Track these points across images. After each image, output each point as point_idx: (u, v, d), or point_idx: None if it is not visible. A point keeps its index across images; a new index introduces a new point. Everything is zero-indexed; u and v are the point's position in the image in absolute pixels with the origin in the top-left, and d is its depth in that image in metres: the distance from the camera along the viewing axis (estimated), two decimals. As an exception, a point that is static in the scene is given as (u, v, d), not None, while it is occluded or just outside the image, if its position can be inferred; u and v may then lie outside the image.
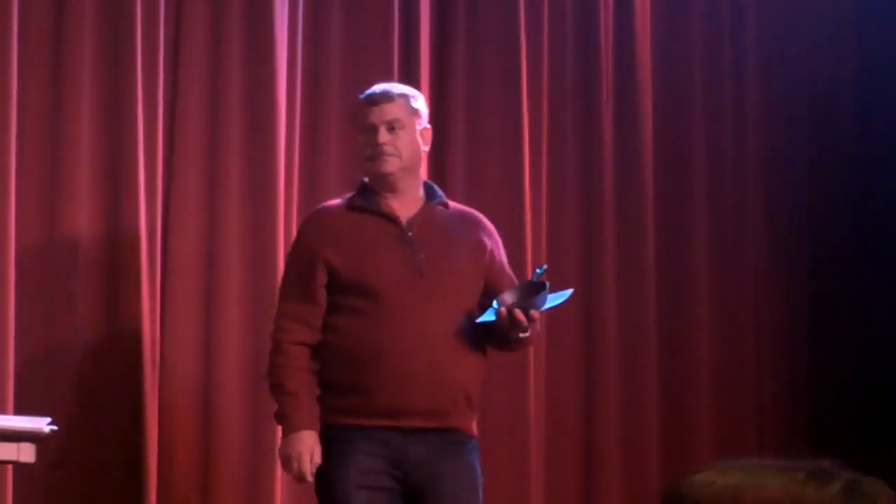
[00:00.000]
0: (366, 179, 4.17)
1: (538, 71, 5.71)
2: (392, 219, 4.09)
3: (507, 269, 4.24)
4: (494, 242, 4.23)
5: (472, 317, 4.05)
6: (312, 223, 4.17)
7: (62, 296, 4.79)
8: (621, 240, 5.85)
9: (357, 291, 4.01)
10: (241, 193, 5.07)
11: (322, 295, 4.05)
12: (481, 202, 5.54)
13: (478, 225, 4.23)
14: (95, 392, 4.81)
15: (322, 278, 4.05)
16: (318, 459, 4.02)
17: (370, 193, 4.13)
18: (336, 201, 4.22)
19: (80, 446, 4.74)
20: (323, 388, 4.07)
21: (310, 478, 4.04)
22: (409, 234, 4.07)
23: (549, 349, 5.65)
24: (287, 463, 4.04)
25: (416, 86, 5.40)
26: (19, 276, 4.70)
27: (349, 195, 4.19)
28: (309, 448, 4.00)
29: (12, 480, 4.58)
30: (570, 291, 4.13)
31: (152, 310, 4.87)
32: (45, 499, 4.71)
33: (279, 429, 5.02)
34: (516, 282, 4.21)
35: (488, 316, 4.00)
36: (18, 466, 4.18)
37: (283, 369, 4.04)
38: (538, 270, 4.09)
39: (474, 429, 4.14)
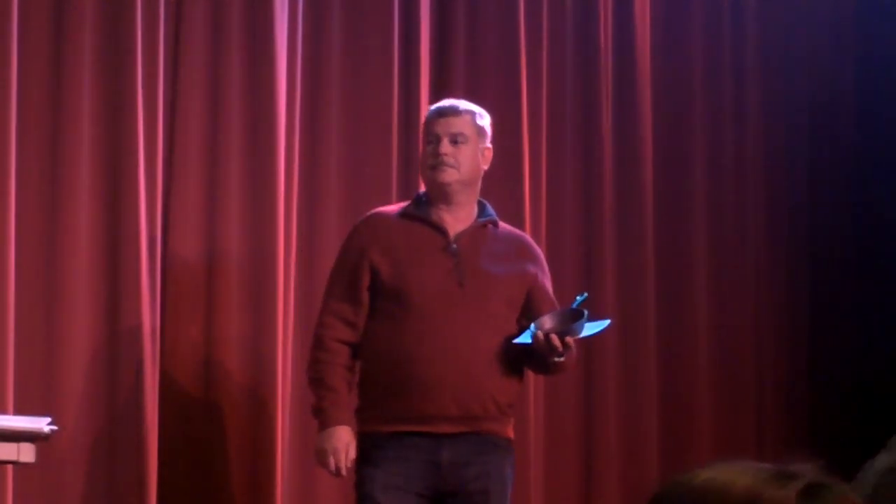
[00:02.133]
0: (422, 190, 4.33)
1: (538, 71, 5.71)
2: (440, 229, 4.20)
3: (550, 294, 4.32)
4: (539, 266, 4.33)
5: (510, 337, 4.14)
6: (366, 225, 4.28)
7: (62, 296, 4.79)
8: (621, 240, 5.85)
9: (396, 297, 4.12)
10: (241, 194, 5.07)
11: (365, 296, 4.17)
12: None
13: (524, 247, 4.35)
14: (95, 392, 4.81)
15: (366, 279, 4.17)
16: (352, 454, 4.11)
17: (424, 203, 4.25)
18: (392, 207, 4.39)
19: (80, 446, 4.74)
20: (359, 393, 4.19)
21: (345, 472, 4.13)
22: (454, 246, 4.18)
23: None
24: (322, 458, 4.13)
25: (416, 86, 5.42)
26: (19, 275, 4.70)
27: (405, 203, 4.34)
28: (344, 443, 4.10)
29: (12, 480, 4.58)
30: (607, 322, 4.31)
31: (152, 310, 4.87)
32: (45, 499, 4.71)
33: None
34: (558, 307, 4.29)
35: (525, 338, 4.11)
36: (18, 466, 4.18)
37: (324, 365, 4.15)
38: (579, 298, 4.19)
39: (509, 432, 4.25)
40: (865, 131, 6.28)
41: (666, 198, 5.98)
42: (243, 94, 5.11)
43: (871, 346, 6.18)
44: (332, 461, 4.11)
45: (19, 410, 4.49)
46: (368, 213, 4.37)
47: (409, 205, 4.31)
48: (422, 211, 4.25)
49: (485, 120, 4.32)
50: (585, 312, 4.12)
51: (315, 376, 4.19)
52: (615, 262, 5.83)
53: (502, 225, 4.35)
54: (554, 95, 5.77)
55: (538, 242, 5.61)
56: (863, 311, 6.24)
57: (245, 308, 5.03)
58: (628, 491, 5.76)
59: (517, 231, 4.47)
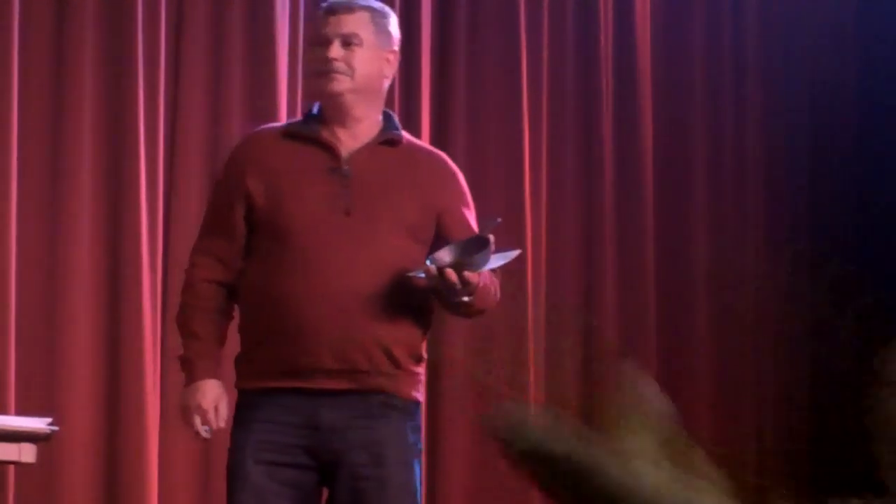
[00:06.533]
0: (314, 107, 3.58)
1: (538, 69, 5.71)
2: (330, 148, 3.48)
3: (470, 224, 3.57)
4: (454, 190, 3.60)
5: (405, 272, 3.43)
6: (240, 149, 3.61)
7: (63, 296, 4.79)
8: (621, 239, 5.85)
9: (272, 230, 3.46)
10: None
11: (240, 230, 3.50)
12: (481, 201, 5.55)
13: (437, 167, 3.60)
14: (96, 392, 4.82)
15: (240, 210, 3.50)
16: (223, 412, 3.48)
17: (313, 120, 3.53)
18: (276, 125, 3.72)
19: (80, 447, 4.75)
20: (240, 343, 3.56)
21: (210, 433, 3.50)
22: (346, 167, 3.46)
23: (550, 349, 5.65)
24: (187, 417, 3.48)
25: (417, 86, 5.42)
26: (20, 276, 4.71)
27: (291, 120, 3.70)
28: (211, 400, 3.45)
29: (13, 480, 4.59)
30: (516, 252, 3.51)
31: (153, 310, 4.88)
32: (45, 499, 4.71)
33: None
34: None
35: (419, 272, 3.40)
36: (19, 467, 4.19)
37: (192, 309, 3.52)
38: (489, 224, 3.44)
39: (412, 392, 3.49)
40: (866, 132, 6.28)
41: (666, 197, 5.97)
42: (244, 93, 5.12)
43: (873, 346, 6.17)
44: (196, 421, 3.45)
45: (20, 411, 4.50)
46: (248, 134, 3.74)
47: (297, 121, 3.61)
48: (310, 128, 3.51)
49: (389, 20, 3.55)
50: (490, 241, 3.35)
51: (181, 322, 3.53)
52: (615, 261, 5.83)
53: (412, 141, 3.61)
54: (554, 95, 5.77)
55: (538, 242, 5.62)
56: (864, 310, 6.23)
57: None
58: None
59: (430, 149, 3.71)
